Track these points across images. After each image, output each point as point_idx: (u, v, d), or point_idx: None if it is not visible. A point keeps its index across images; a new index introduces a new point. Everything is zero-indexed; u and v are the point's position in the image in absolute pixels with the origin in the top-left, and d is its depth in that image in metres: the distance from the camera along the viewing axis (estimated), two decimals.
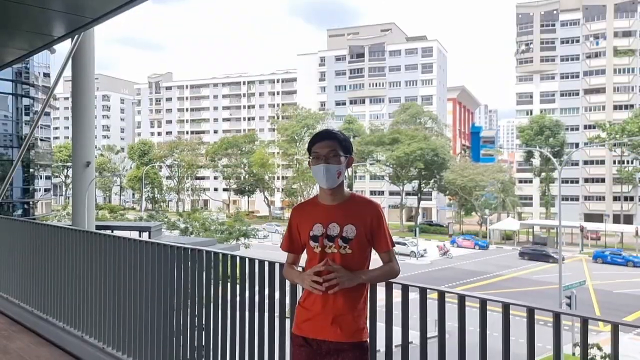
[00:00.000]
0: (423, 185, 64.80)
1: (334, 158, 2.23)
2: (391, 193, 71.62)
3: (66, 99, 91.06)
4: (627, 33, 67.42)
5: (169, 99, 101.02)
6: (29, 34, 5.31)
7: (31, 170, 41.70)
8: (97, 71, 7.24)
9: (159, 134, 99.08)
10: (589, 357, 2.21)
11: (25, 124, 40.44)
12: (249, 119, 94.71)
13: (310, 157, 2.27)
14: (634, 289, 34.05)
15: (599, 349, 16.05)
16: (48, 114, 53.18)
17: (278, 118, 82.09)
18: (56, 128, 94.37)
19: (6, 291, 5.91)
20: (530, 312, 2.23)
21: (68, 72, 6.64)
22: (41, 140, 45.62)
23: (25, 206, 40.65)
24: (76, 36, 5.78)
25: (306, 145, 2.48)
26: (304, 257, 2.41)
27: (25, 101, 41.40)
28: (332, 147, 2.24)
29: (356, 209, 2.25)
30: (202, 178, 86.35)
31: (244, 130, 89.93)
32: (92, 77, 6.70)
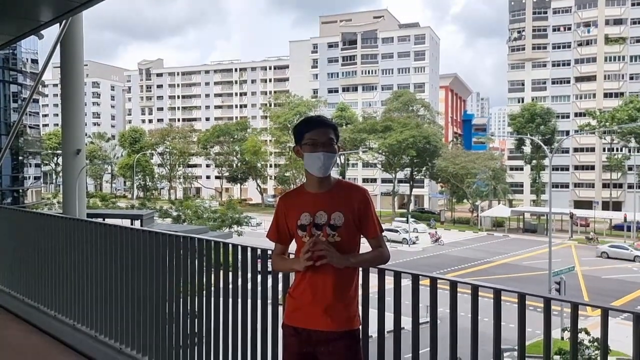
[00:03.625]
0: (415, 172, 65.05)
1: (331, 146, 2.19)
2: (384, 181, 71.81)
3: (55, 85, 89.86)
4: (618, 21, 67.57)
5: (159, 86, 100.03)
6: (15, 19, 5.20)
7: (20, 158, 41.29)
8: (86, 58, 7.12)
9: (150, 121, 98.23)
10: (577, 340, 2.24)
11: (14, 111, 39.94)
12: (241, 106, 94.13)
13: (302, 144, 2.21)
14: (620, 275, 34.63)
15: (587, 333, 16.33)
16: (37, 100, 52.51)
17: (270, 105, 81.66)
18: (45, 115, 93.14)
19: None
20: (522, 297, 2.25)
21: (56, 58, 6.54)
22: (30, 127, 45.13)
23: (15, 194, 40.32)
24: (64, 21, 5.67)
25: None
26: (293, 246, 2.39)
27: (13, 88, 40.84)
28: (329, 134, 2.20)
29: (343, 196, 2.21)
30: (194, 166, 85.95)
31: (236, 117, 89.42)
32: (81, 63, 6.60)
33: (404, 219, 51.95)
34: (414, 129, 60.14)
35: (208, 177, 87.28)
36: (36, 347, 4.51)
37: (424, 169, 64.11)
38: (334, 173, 2.30)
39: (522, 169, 69.26)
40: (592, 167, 67.35)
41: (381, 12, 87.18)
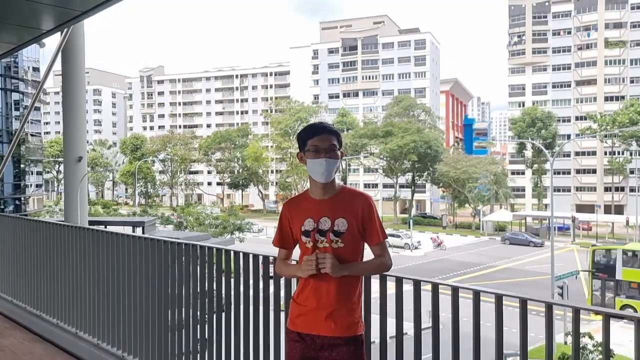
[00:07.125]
0: (416, 177, 65.01)
1: (334, 152, 2.21)
2: (385, 186, 71.77)
3: (57, 93, 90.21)
4: (617, 25, 67.70)
5: (161, 93, 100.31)
6: (17, 28, 5.23)
7: (22, 165, 41.39)
8: (87, 65, 7.15)
9: (152, 128, 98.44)
10: (580, 345, 2.23)
11: (15, 119, 40.09)
12: (242, 112, 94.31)
13: (305, 150, 2.23)
14: None
15: (590, 337, 16.25)
16: (38, 108, 52.68)
17: (271, 111, 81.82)
18: (47, 123, 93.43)
19: None
20: (523, 303, 2.25)
21: (58, 66, 6.57)
22: (32, 135, 45.26)
23: (17, 202, 40.38)
24: (65, 29, 5.70)
25: None
26: (296, 252, 2.40)
27: (15, 96, 41.02)
28: (332, 140, 2.22)
29: (347, 202, 2.23)
30: (196, 172, 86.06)
31: (237, 124, 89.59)
32: (83, 71, 6.63)
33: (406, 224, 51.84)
34: (415, 134, 60.15)
35: (209, 184, 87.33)
36: (38, 355, 4.50)
37: (426, 173, 64.07)
38: (337, 178, 2.31)
39: (523, 173, 69.21)
40: (594, 171, 67.26)
41: (381, 17, 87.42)
